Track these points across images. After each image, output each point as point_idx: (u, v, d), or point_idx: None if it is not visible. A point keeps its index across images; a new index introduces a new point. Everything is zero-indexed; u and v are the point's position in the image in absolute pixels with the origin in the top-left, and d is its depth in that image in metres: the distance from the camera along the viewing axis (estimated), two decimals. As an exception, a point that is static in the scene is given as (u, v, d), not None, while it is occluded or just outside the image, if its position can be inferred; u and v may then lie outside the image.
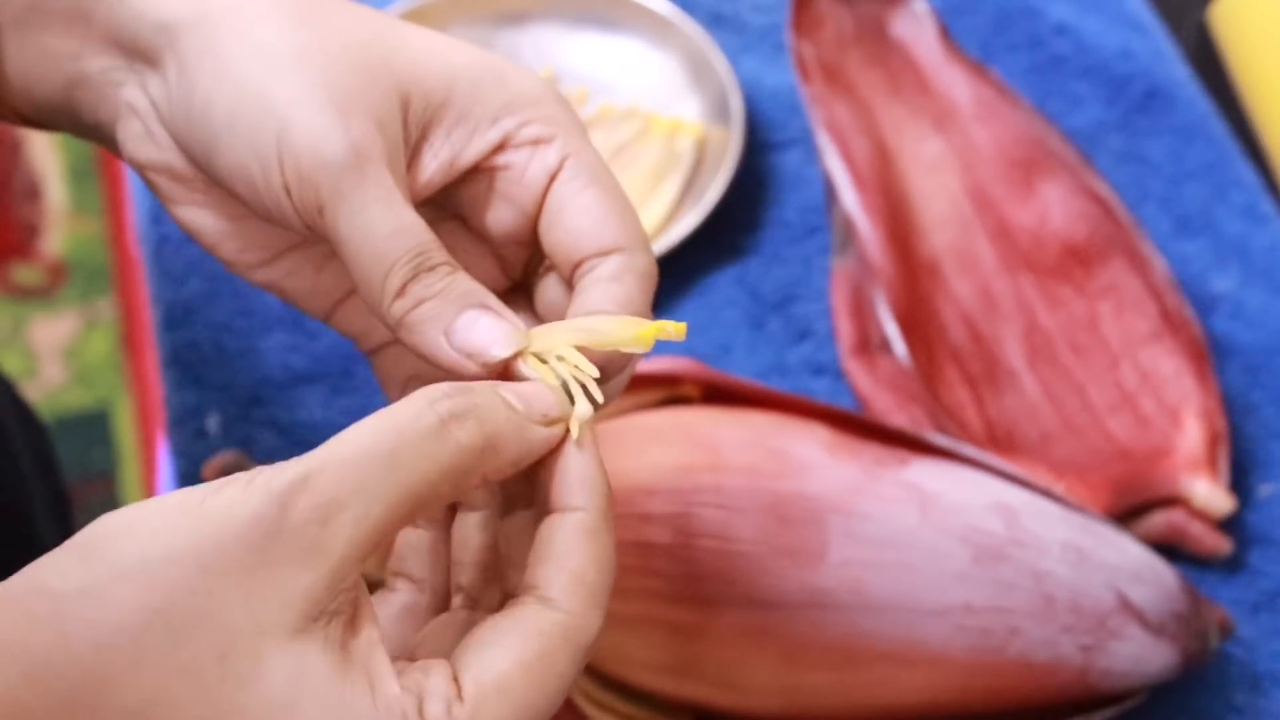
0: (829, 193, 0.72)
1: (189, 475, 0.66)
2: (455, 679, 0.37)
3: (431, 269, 0.43)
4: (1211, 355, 0.69)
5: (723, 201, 0.75)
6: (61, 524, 0.81)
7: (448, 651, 0.39)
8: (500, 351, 0.42)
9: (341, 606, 0.36)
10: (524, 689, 0.37)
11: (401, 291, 0.42)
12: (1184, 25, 0.86)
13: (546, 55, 0.81)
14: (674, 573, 0.55)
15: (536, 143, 0.45)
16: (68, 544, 0.36)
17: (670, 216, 0.75)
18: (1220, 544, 0.63)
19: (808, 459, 0.57)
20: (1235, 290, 0.72)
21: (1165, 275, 0.70)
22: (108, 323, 1.60)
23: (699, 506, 0.56)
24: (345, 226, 0.42)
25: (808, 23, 0.76)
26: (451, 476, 0.38)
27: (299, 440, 0.68)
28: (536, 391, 0.41)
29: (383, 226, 0.42)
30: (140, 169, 0.47)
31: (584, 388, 0.42)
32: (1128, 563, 0.57)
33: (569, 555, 0.39)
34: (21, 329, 1.60)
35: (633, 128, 0.78)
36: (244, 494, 0.36)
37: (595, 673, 0.57)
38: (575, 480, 0.40)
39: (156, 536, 0.35)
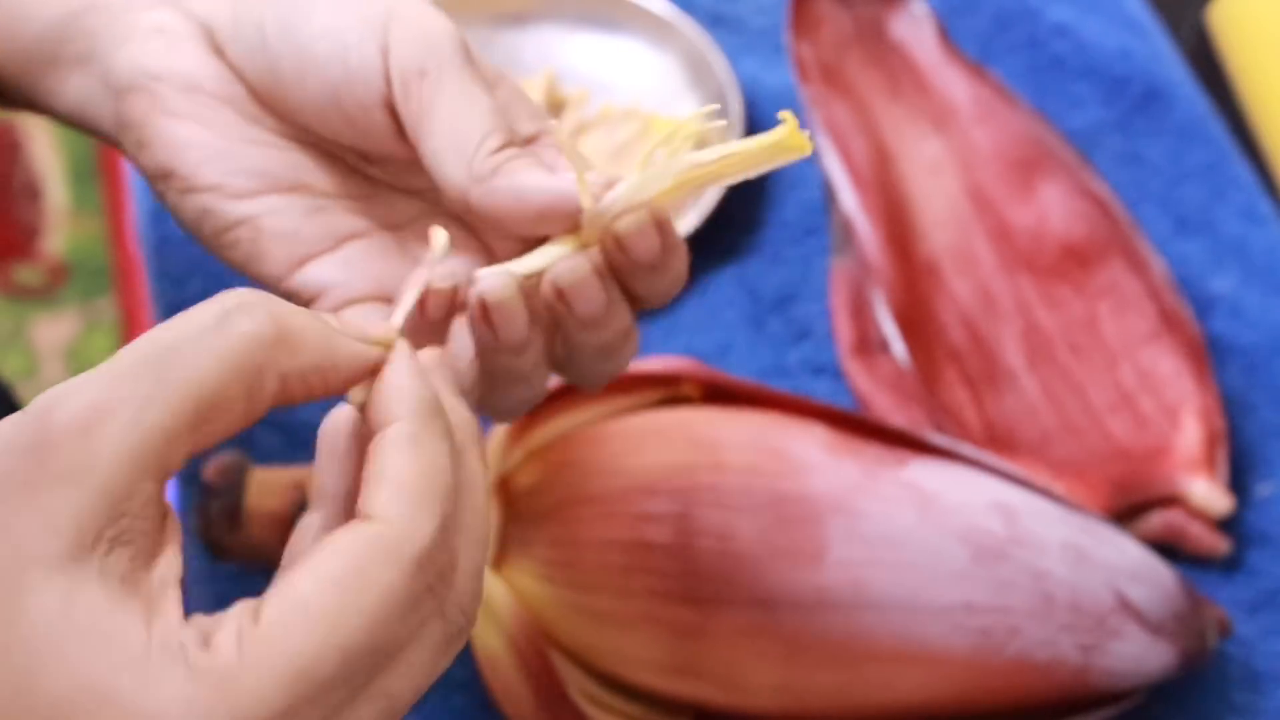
0: (828, 193, 0.72)
1: (188, 475, 0.66)
2: (258, 609, 0.34)
3: (521, 143, 0.45)
4: (1210, 355, 0.69)
5: (723, 201, 0.75)
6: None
7: None
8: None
9: (126, 534, 0.33)
10: (331, 604, 0.33)
11: (497, 151, 0.44)
12: (1183, 26, 0.87)
13: (547, 56, 0.81)
14: (674, 572, 0.55)
15: None
16: None
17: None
18: (1219, 544, 0.63)
19: (807, 459, 0.57)
20: (1234, 290, 0.73)
21: (1164, 275, 0.70)
22: (108, 323, 1.60)
23: (699, 506, 0.56)
24: (451, 89, 0.44)
25: (807, 24, 0.76)
26: (238, 372, 0.34)
27: (299, 440, 0.68)
28: (357, 314, 0.43)
29: (486, 100, 0.44)
30: (144, 80, 0.46)
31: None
32: (1127, 562, 0.57)
33: (388, 467, 0.36)
34: (22, 329, 1.60)
35: (633, 128, 0.78)
36: (2, 421, 0.33)
37: (595, 673, 0.58)
38: (390, 393, 0.37)
39: None
